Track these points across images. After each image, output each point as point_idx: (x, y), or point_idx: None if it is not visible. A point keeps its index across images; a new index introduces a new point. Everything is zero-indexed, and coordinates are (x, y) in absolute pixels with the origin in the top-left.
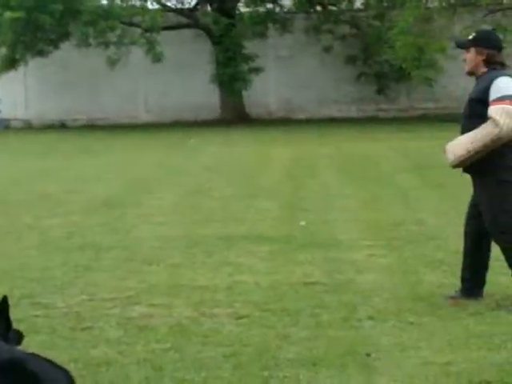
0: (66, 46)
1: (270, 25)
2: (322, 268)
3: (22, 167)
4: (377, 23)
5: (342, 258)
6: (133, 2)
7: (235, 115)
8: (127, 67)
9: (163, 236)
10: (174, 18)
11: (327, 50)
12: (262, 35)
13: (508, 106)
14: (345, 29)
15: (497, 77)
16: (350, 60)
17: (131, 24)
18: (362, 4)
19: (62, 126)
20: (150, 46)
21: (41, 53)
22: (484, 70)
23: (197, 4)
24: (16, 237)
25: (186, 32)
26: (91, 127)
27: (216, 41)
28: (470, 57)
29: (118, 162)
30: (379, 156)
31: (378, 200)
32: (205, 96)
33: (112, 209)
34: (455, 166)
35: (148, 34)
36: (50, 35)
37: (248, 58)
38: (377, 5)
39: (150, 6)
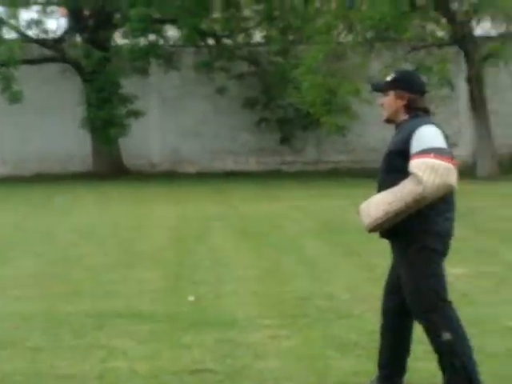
0: None
1: (153, 60)
2: (214, 352)
3: None
4: (280, 60)
5: (238, 340)
6: None
7: (110, 167)
8: None
9: (19, 313)
10: (35, 50)
11: (221, 91)
12: (143, 72)
13: (433, 161)
14: (242, 66)
15: (420, 125)
16: (249, 103)
17: None
18: (263, 37)
19: None
20: (6, 84)
21: None
22: (405, 117)
23: (64, 34)
24: None
25: (51, 67)
26: None
27: (87, 78)
28: (389, 102)
29: None
30: (282, 217)
31: (281, 270)
32: (74, 144)
33: None
34: (371, 231)
35: (3, 69)
36: None
37: (126, 100)
38: (280, 38)
39: (6, 35)
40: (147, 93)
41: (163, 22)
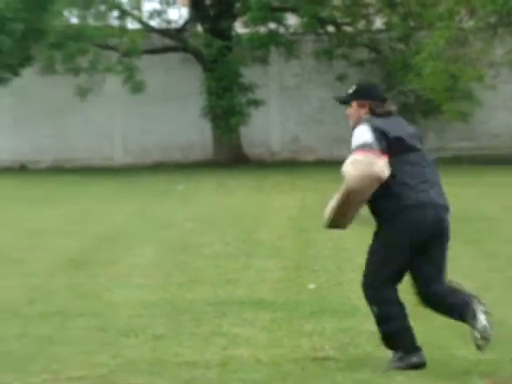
0: (28, 73)
1: (273, 49)
2: (334, 340)
3: None
4: (401, 46)
5: (359, 329)
6: (109, 21)
7: (231, 156)
8: (101, 98)
9: (142, 301)
10: (157, 40)
11: (341, 78)
12: (264, 61)
13: (353, 156)
14: (362, 53)
15: (357, 127)
16: None
17: (107, 47)
18: (384, 24)
19: (22, 169)
20: (129, 74)
21: None
22: None
23: (185, 24)
24: None
25: (173, 56)
26: (57, 170)
27: (208, 67)
28: (353, 111)
29: (89, 211)
30: None
31: None
32: (195, 133)
33: (80, 268)
34: (326, 227)
35: (126, 59)
36: (8, 60)
37: (246, 88)
38: (401, 25)
39: (129, 25)
40: (267, 81)
41: (283, 10)
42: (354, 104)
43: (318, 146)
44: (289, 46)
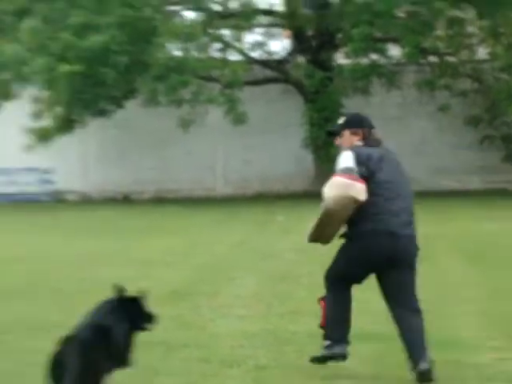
0: (132, 105)
1: (375, 79)
2: (438, 372)
3: (77, 248)
4: (505, 76)
5: (463, 361)
6: (211, 53)
7: None
8: (203, 130)
9: (245, 332)
10: (259, 72)
11: (444, 109)
12: (365, 91)
13: (333, 178)
14: (465, 84)
15: (342, 153)
16: (472, 121)
17: (209, 79)
18: (487, 54)
19: (125, 200)
20: (231, 105)
21: (102, 113)
22: None
23: (287, 55)
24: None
25: (274, 88)
26: (160, 201)
27: (309, 98)
28: (345, 139)
29: (192, 242)
30: (509, 237)
31: (509, 290)
32: (295, 164)
33: (184, 299)
34: (308, 241)
35: (228, 91)
36: (113, 92)
37: None
38: (505, 55)
39: (231, 57)
40: (368, 112)
41: (385, 40)
42: (347, 133)
43: (419, 176)
44: (390, 76)
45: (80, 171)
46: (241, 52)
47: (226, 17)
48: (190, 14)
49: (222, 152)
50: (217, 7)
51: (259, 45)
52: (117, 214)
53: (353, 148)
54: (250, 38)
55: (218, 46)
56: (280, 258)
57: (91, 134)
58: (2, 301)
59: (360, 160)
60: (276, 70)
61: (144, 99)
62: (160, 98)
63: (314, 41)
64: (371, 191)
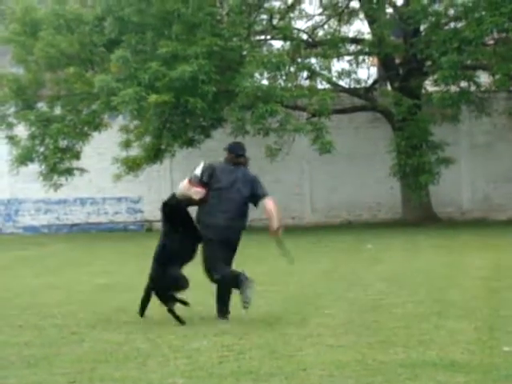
0: (219, 134)
1: (464, 107)
2: None
3: None
4: None
5: None
6: (298, 82)
7: (420, 215)
8: (290, 158)
9: (334, 361)
10: (346, 100)
11: None
12: (454, 119)
13: (185, 181)
14: None
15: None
16: None
17: (295, 107)
18: None
19: None
20: (318, 134)
21: (190, 142)
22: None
23: (374, 83)
24: (159, 361)
25: (361, 115)
26: (246, 229)
27: (397, 126)
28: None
29: (279, 270)
30: None
31: None
32: (383, 192)
33: (271, 328)
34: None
35: (315, 119)
36: (201, 121)
37: (436, 147)
38: None
39: (318, 85)
40: (457, 139)
41: (475, 68)
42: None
43: (510, 204)
44: (480, 103)
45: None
46: (328, 80)
47: (313, 45)
48: (277, 43)
49: (309, 181)
50: (304, 36)
51: (347, 73)
52: None
53: (211, 162)
54: (338, 66)
55: (305, 74)
56: (369, 287)
57: (178, 163)
58: (92, 330)
59: (207, 172)
60: (363, 98)
61: (231, 128)
62: (247, 126)
63: (402, 68)
64: (212, 194)
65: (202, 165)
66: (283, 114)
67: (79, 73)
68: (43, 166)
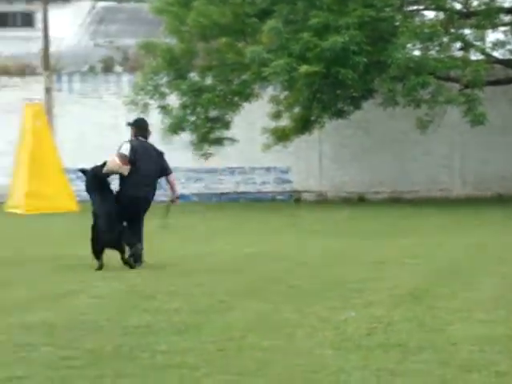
0: (369, 106)
1: None
2: None
3: (312, 248)
4: None
5: None
6: (451, 53)
7: None
8: (441, 130)
9: (485, 336)
10: (500, 71)
11: None
12: None
13: (113, 157)
14: None
15: (125, 142)
16: None
17: (448, 79)
18: None
19: (360, 200)
20: (470, 105)
21: (340, 113)
22: (134, 138)
23: None
24: (308, 332)
25: None
26: (395, 201)
27: None
28: (131, 132)
29: (427, 244)
30: None
31: None
32: None
33: (420, 301)
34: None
35: (468, 91)
36: (351, 92)
37: None
38: None
39: (472, 57)
40: None
41: None
42: (132, 129)
43: None
44: None
45: (316, 171)
46: (482, 51)
47: (467, 16)
48: (430, 14)
49: (459, 153)
50: (458, 6)
51: (501, 44)
52: (352, 214)
53: (131, 141)
54: (492, 36)
55: (458, 45)
56: None
57: (327, 134)
58: (240, 299)
59: (132, 150)
60: None
61: (382, 100)
62: (398, 98)
63: None
64: (131, 170)
65: (128, 144)
66: (435, 85)
67: (231, 43)
68: (194, 136)
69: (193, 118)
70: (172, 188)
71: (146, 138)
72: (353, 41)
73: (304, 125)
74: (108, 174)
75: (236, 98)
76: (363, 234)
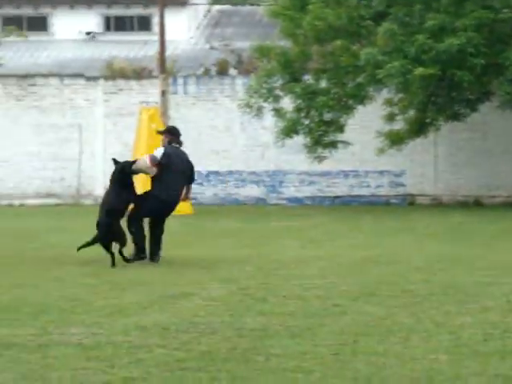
0: (487, 108)
1: None
2: None
3: (427, 252)
4: None
5: None
6: None
7: None
8: None
9: None
10: None
11: None
12: None
13: (146, 158)
14: None
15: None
16: None
17: None
18: None
19: (476, 204)
20: None
21: (456, 116)
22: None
23: None
24: (423, 337)
25: None
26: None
27: None
28: (163, 139)
29: None
30: None
31: None
32: None
33: None
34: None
35: None
36: (467, 95)
37: None
38: None
39: None
40: None
41: None
42: (165, 136)
43: None
44: None
45: (431, 174)
46: None
47: None
48: None
49: None
50: None
51: None
52: (468, 218)
53: (166, 147)
54: None
55: None
56: None
57: (443, 137)
58: (355, 303)
59: (165, 155)
60: None
61: (500, 102)
62: None
63: None
64: (161, 172)
65: (161, 149)
66: None
67: (346, 46)
68: (308, 139)
69: (307, 121)
70: (188, 191)
71: (180, 144)
72: (470, 43)
73: (419, 128)
74: (135, 172)
75: (350, 101)
76: (479, 239)
